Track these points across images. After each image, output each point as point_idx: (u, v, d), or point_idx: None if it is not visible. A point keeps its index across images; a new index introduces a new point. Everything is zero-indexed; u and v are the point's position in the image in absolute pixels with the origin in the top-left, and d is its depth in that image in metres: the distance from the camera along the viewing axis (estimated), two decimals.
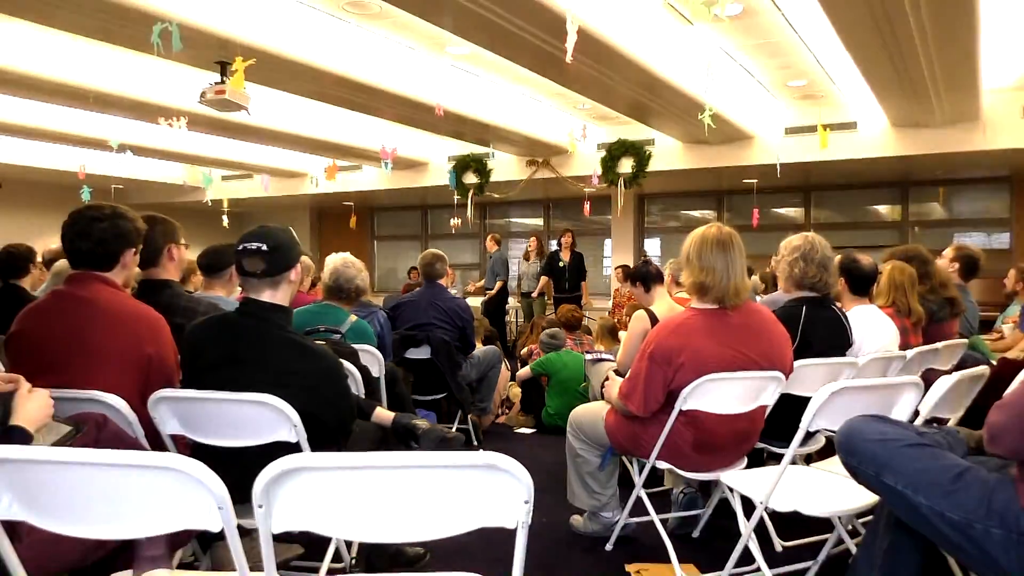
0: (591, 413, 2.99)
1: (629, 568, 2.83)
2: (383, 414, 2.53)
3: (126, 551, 1.81)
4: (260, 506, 1.26)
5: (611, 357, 4.38)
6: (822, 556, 2.56)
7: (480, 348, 5.17)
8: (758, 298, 4.17)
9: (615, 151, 9.23)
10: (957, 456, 1.76)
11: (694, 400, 2.49)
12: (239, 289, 3.31)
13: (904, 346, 3.32)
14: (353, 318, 3.58)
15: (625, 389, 2.64)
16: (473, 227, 12.21)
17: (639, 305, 4.03)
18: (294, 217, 13.94)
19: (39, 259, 4.58)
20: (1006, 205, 9.77)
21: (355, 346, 3.17)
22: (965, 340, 3.88)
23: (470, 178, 10.27)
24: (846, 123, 8.01)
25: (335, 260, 3.75)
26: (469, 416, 4.87)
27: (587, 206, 10.04)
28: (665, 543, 2.73)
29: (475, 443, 4.82)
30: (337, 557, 2.39)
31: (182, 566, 2.37)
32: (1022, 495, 1.58)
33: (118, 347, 2.17)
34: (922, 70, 5.58)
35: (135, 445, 2.01)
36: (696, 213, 11.79)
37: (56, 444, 1.77)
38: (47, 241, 5.24)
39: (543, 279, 9.49)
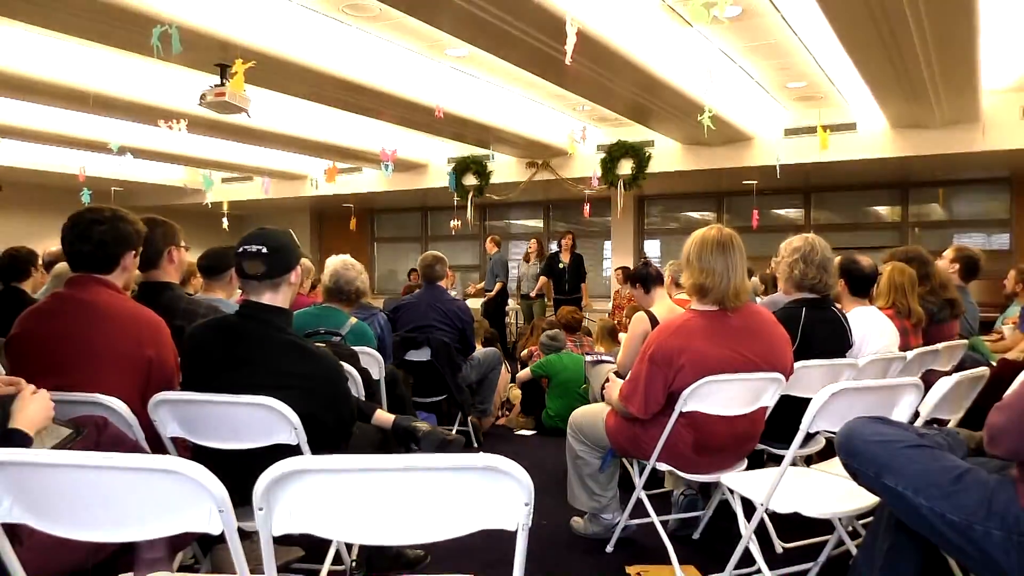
0: (591, 415, 2.99)
1: (629, 570, 2.83)
2: (383, 416, 2.53)
3: (126, 554, 1.81)
4: (260, 509, 1.26)
5: (611, 359, 4.38)
6: (823, 557, 2.56)
7: (480, 350, 5.17)
8: (758, 299, 4.18)
9: (615, 153, 9.23)
10: (957, 457, 1.76)
11: (694, 402, 2.49)
12: (239, 291, 3.31)
13: (904, 347, 3.32)
14: (353, 320, 3.59)
15: (625, 391, 2.64)
16: (473, 229, 12.21)
17: (639, 307, 4.03)
18: (294, 219, 13.94)
19: (40, 262, 4.57)
20: (1006, 206, 9.78)
21: (355, 348, 3.17)
22: (965, 341, 3.88)
23: (470, 180, 10.28)
24: (846, 124, 8.02)
25: (335, 262, 3.75)
26: (469, 418, 4.87)
27: (587, 208, 10.05)
28: (666, 545, 2.73)
29: (475, 445, 4.82)
30: (338, 559, 2.39)
31: (183, 569, 2.37)
32: (1022, 496, 1.59)
33: (118, 349, 2.17)
34: (921, 71, 5.59)
35: (135, 448, 2.01)
36: (696, 215, 11.80)
37: (56, 447, 1.77)
38: (47, 243, 5.24)
39: (542, 279, 9.49)
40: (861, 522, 2.68)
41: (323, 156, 9.93)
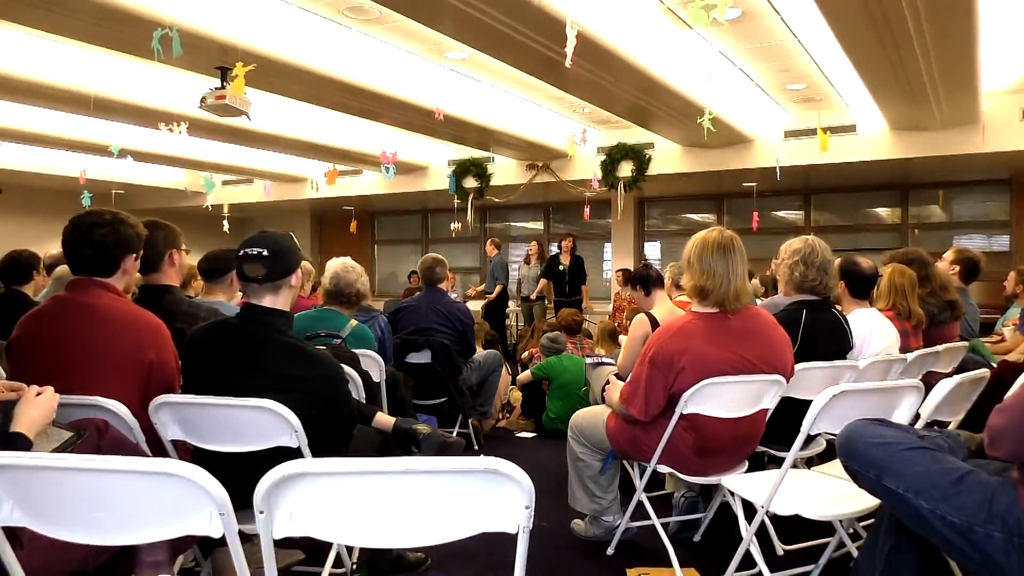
0: (592, 417, 2.99)
1: (630, 572, 2.82)
2: (384, 419, 2.53)
3: (127, 557, 1.82)
4: (261, 512, 1.27)
5: (612, 361, 4.38)
6: (824, 560, 2.56)
7: (481, 352, 5.17)
8: (758, 301, 4.18)
9: (615, 155, 9.24)
10: (958, 459, 1.76)
11: (695, 404, 2.49)
12: (240, 294, 3.31)
13: (904, 349, 3.32)
14: (354, 323, 3.59)
15: (626, 393, 2.64)
16: (473, 231, 12.22)
17: (639, 309, 4.03)
18: (294, 222, 13.95)
19: (42, 266, 4.58)
20: (1006, 207, 9.78)
21: (356, 351, 3.17)
22: (966, 343, 3.89)
23: (470, 182, 10.29)
24: (845, 126, 8.02)
25: (335, 265, 3.75)
26: (470, 420, 4.87)
27: (587, 210, 10.05)
28: (666, 547, 2.73)
29: (476, 447, 4.82)
30: (338, 562, 2.39)
31: (183, 572, 2.38)
32: (1023, 498, 1.58)
33: (119, 353, 2.18)
34: (921, 73, 5.59)
35: (136, 451, 2.01)
36: (696, 216, 11.80)
37: (57, 450, 1.77)
38: (48, 246, 5.25)
39: (543, 281, 9.49)
40: (862, 524, 2.68)
41: (323, 159, 9.94)
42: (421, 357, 4.57)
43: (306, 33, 5.58)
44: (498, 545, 1.35)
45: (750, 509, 2.38)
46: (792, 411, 2.48)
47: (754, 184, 9.81)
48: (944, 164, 8.40)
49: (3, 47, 5.75)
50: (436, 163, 10.62)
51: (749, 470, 2.73)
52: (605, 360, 4.49)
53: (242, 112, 5.43)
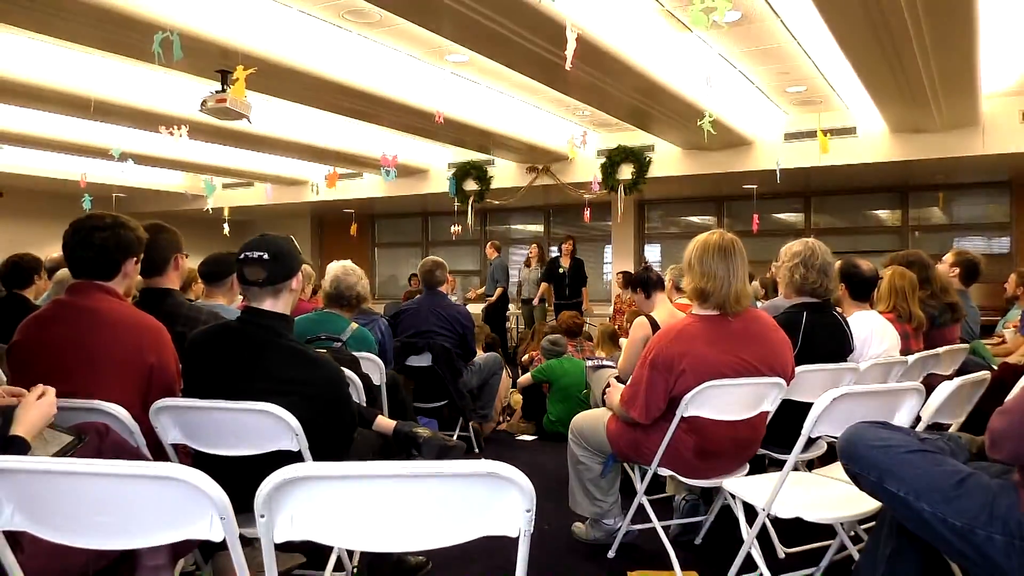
0: (593, 420, 2.98)
1: (631, 575, 2.82)
2: (384, 422, 2.53)
3: (128, 561, 1.81)
4: (262, 515, 1.26)
5: (612, 364, 4.38)
6: (825, 562, 2.56)
7: (481, 355, 5.17)
8: (758, 304, 4.18)
9: (615, 157, 9.25)
10: (959, 462, 1.76)
11: (695, 407, 2.49)
12: (240, 298, 3.32)
13: (905, 351, 3.32)
14: (354, 326, 3.59)
15: (626, 396, 2.64)
16: (473, 234, 12.23)
17: (640, 311, 4.03)
18: (295, 225, 13.97)
19: (44, 269, 4.57)
20: (1006, 209, 9.78)
21: (356, 354, 3.17)
22: (966, 345, 3.88)
23: (470, 185, 10.29)
24: (845, 128, 8.03)
25: (336, 268, 3.75)
26: (470, 423, 4.87)
27: (587, 212, 10.06)
28: (667, 550, 2.72)
29: (476, 450, 4.82)
30: (339, 566, 2.39)
31: (184, 575, 2.37)
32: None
33: (120, 356, 2.18)
34: (921, 75, 5.60)
35: (137, 454, 2.01)
36: (696, 219, 11.81)
37: (58, 454, 1.77)
38: (49, 250, 5.25)
39: (543, 285, 9.48)
40: (863, 527, 2.68)
41: (324, 162, 9.95)
42: (421, 360, 4.57)
43: (306, 36, 5.59)
44: (499, 548, 1.35)
45: (751, 512, 2.37)
46: (793, 414, 2.48)
47: (754, 186, 9.81)
48: (944, 166, 8.41)
49: (4, 51, 5.76)
50: (436, 166, 10.63)
51: (750, 473, 2.73)
52: (606, 363, 4.49)
53: (242, 115, 5.44)
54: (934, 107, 6.61)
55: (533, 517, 1.25)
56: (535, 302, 9.66)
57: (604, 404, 2.98)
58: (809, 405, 2.20)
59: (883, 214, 10.76)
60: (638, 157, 9.16)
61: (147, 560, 1.81)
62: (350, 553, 2.46)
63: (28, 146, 8.73)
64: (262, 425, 2.03)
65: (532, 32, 4.76)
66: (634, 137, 9.02)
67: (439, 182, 10.58)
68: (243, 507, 1.30)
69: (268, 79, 5.65)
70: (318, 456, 2.04)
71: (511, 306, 10.53)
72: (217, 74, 5.52)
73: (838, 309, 3.18)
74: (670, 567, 2.71)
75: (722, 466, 2.66)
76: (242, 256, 2.16)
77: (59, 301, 2.30)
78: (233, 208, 11.67)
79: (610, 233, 11.69)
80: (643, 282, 3.94)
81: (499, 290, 9.82)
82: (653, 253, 11.98)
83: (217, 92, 5.41)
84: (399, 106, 6.91)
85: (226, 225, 11.09)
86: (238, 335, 2.18)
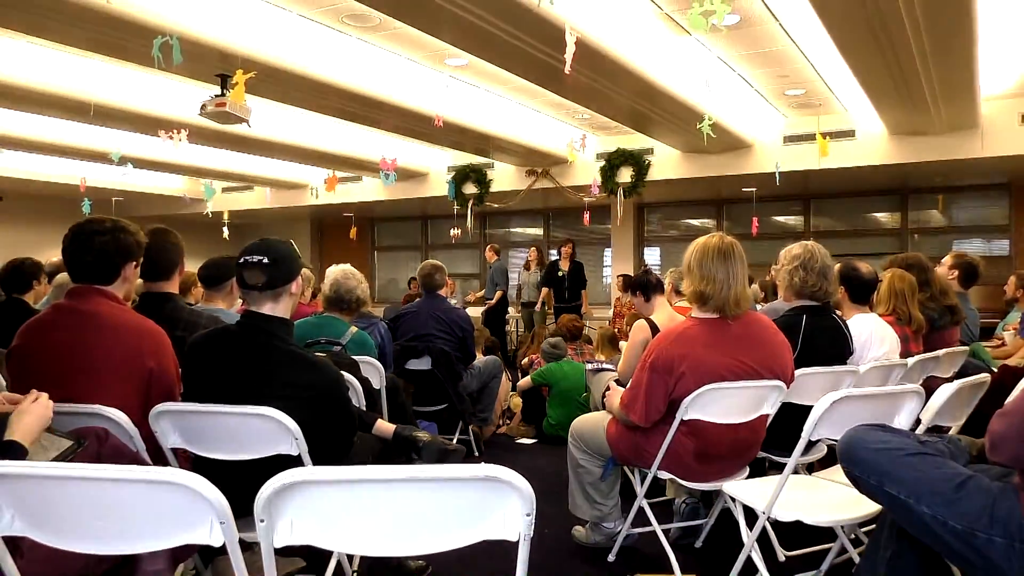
0: (592, 423, 2.98)
1: None
2: (384, 426, 2.53)
3: (127, 565, 1.81)
4: (262, 520, 1.26)
5: (612, 367, 4.38)
6: (825, 565, 2.55)
7: (481, 358, 5.17)
8: (758, 307, 4.18)
9: (614, 160, 9.26)
10: (959, 465, 1.76)
11: (695, 410, 2.49)
12: (240, 302, 3.32)
13: (905, 354, 3.32)
14: (354, 329, 3.59)
15: (626, 399, 2.63)
16: (473, 237, 12.23)
17: (639, 315, 4.03)
18: (294, 228, 13.97)
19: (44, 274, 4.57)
20: (1005, 212, 9.79)
21: (356, 358, 3.17)
22: (966, 348, 3.88)
23: (470, 188, 10.30)
24: (844, 131, 8.04)
25: (335, 271, 3.75)
26: (470, 427, 4.87)
27: (587, 216, 10.06)
28: (667, 553, 2.72)
29: (476, 454, 4.81)
30: (339, 571, 2.38)
31: None
32: None
33: (119, 361, 2.17)
34: (919, 78, 5.61)
35: (136, 459, 2.01)
36: (695, 222, 11.82)
37: (57, 459, 1.77)
38: (49, 254, 5.25)
39: (544, 290, 9.47)
40: (863, 530, 2.68)
41: (323, 165, 9.95)
42: (421, 363, 4.56)
43: (306, 40, 5.59)
44: (499, 552, 1.35)
45: (751, 515, 2.37)
46: (793, 417, 2.48)
47: (753, 189, 9.82)
48: (943, 169, 8.42)
49: (3, 55, 5.77)
50: (436, 169, 10.64)
51: (750, 476, 2.72)
52: (605, 366, 4.50)
53: (242, 119, 5.44)
54: (933, 110, 6.61)
55: (533, 521, 1.25)
56: (537, 308, 9.64)
57: (604, 407, 2.98)
58: (809, 408, 2.20)
59: (882, 217, 10.77)
60: (637, 160, 9.17)
61: (147, 565, 1.81)
62: (350, 558, 2.46)
63: (28, 150, 8.73)
64: (262, 429, 2.03)
65: (531, 36, 4.77)
66: (633, 140, 9.03)
67: (438, 185, 10.59)
68: (243, 511, 1.30)
69: (268, 83, 5.65)
70: (318, 460, 2.04)
71: (511, 309, 10.53)
72: (217, 78, 5.52)
73: (838, 312, 3.18)
74: (670, 570, 2.70)
75: (722, 469, 2.66)
76: (242, 260, 2.16)
77: (59, 305, 2.30)
78: (233, 212, 11.67)
79: (610, 236, 11.70)
80: (642, 285, 3.94)
81: (498, 293, 9.82)
82: (652, 256, 11.99)
83: (217, 96, 5.42)
84: (398, 110, 6.92)
85: (225, 229, 11.09)
86: (238, 339, 2.18)
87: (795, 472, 2.37)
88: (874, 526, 2.06)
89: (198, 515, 1.26)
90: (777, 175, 8.08)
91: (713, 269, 2.55)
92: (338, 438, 2.22)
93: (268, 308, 2.18)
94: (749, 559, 2.38)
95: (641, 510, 2.79)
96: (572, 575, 2.88)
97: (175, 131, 6.75)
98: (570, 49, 4.21)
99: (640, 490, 2.78)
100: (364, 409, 2.68)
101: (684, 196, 11.02)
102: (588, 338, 6.80)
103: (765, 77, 6.76)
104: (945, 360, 3.50)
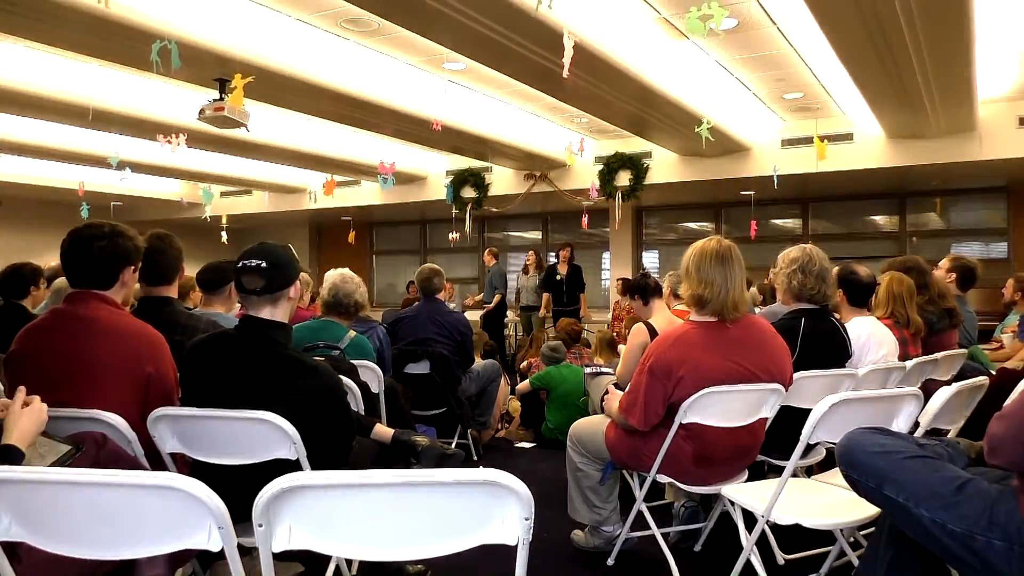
0: (591, 427, 2.98)
1: None
2: (383, 430, 2.53)
3: (126, 571, 1.81)
4: (260, 525, 1.26)
5: (610, 370, 4.38)
6: (824, 569, 2.55)
7: (479, 362, 5.17)
8: (756, 310, 4.18)
9: (613, 164, 9.26)
10: (958, 468, 1.76)
11: (694, 413, 2.49)
12: (238, 306, 3.31)
13: (903, 357, 3.32)
14: (352, 334, 3.58)
15: (625, 403, 2.63)
16: (471, 241, 12.22)
17: (638, 318, 4.03)
18: (293, 232, 13.95)
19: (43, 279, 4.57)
20: (1003, 215, 9.80)
21: (354, 362, 3.17)
22: (964, 350, 3.89)
23: (468, 192, 10.31)
24: (842, 134, 8.05)
25: (334, 275, 3.75)
26: (469, 431, 4.86)
27: (585, 219, 10.06)
28: (667, 557, 2.72)
29: (475, 458, 4.81)
30: (338, 575, 2.38)
31: None
32: (1023, 507, 1.58)
33: (117, 365, 2.17)
34: (917, 81, 5.61)
35: (134, 464, 2.01)
36: (694, 225, 11.82)
37: (55, 464, 1.77)
38: (47, 258, 5.25)
39: (545, 296, 9.46)
40: (863, 533, 2.68)
41: (322, 169, 9.96)
42: (420, 368, 4.56)
43: (304, 45, 5.60)
44: (498, 556, 1.35)
45: (750, 518, 2.37)
46: (791, 420, 2.48)
47: (752, 193, 9.82)
48: (941, 172, 8.43)
49: (3, 59, 5.77)
50: (434, 173, 10.64)
51: (749, 479, 2.72)
52: (604, 370, 4.50)
53: (241, 124, 5.45)
54: (931, 113, 6.62)
55: (532, 525, 1.25)
56: (540, 314, 9.61)
57: (603, 411, 2.98)
58: (808, 411, 2.20)
59: (880, 220, 10.77)
60: (636, 164, 9.18)
61: (145, 570, 1.81)
62: (348, 562, 2.46)
63: (26, 155, 8.73)
64: (260, 434, 2.03)
65: (529, 40, 4.77)
66: (632, 144, 9.04)
67: (437, 189, 10.59)
68: (241, 516, 1.30)
69: (266, 87, 5.65)
70: (316, 465, 2.04)
71: (509, 313, 10.52)
72: (215, 82, 5.53)
73: (836, 315, 3.18)
74: (670, 574, 2.70)
75: (721, 472, 2.66)
76: (240, 265, 2.16)
77: (57, 310, 2.30)
78: (231, 216, 11.65)
79: (608, 240, 11.70)
80: (641, 289, 3.95)
81: (497, 297, 9.82)
82: (651, 260, 11.99)
83: (215, 100, 5.42)
84: (397, 114, 6.92)
85: (224, 233, 11.08)
86: (236, 344, 2.18)
87: (794, 475, 2.37)
88: (873, 529, 2.06)
89: (196, 520, 1.25)
90: (775, 178, 8.08)
91: (711, 273, 2.55)
92: (337, 442, 2.22)
93: (267, 312, 2.17)
94: (748, 563, 2.38)
95: (640, 514, 2.78)
96: None
97: (174, 135, 6.75)
98: (568, 53, 4.21)
99: (639, 494, 2.78)
100: (363, 413, 2.68)
101: (682, 199, 11.03)
102: (587, 342, 6.81)
103: (763, 81, 6.77)
104: (943, 363, 3.51)
